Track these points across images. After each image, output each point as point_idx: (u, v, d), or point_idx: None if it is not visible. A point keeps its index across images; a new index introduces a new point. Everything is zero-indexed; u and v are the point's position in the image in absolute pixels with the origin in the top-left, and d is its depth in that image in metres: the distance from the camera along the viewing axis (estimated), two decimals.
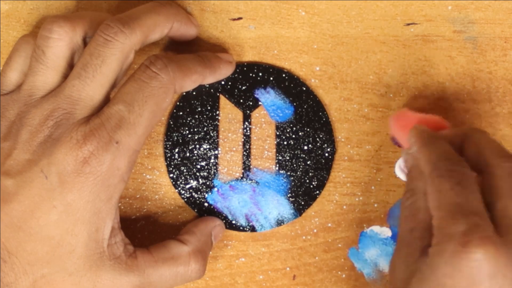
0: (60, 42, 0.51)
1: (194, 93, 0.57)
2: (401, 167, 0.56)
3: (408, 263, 0.48)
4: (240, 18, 0.58)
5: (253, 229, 0.58)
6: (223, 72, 0.55)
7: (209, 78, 0.54)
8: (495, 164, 0.48)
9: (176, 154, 0.58)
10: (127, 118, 0.49)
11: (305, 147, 0.58)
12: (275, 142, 0.58)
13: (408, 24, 0.58)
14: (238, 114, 0.58)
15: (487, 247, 0.44)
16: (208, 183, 0.58)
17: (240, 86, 0.57)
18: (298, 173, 0.58)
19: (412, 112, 0.55)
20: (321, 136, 0.57)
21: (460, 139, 0.51)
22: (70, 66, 0.51)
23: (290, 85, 0.58)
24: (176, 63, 0.51)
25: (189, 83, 0.52)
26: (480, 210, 0.46)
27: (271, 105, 0.58)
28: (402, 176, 0.55)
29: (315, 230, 0.58)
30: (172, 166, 0.58)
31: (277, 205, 0.58)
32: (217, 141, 0.58)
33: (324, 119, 0.58)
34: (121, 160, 0.49)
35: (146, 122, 0.49)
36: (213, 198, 0.58)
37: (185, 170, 0.58)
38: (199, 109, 0.57)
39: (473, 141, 0.51)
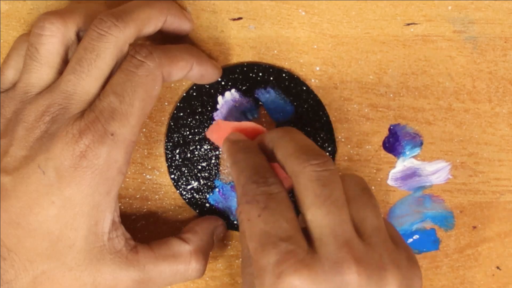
0: (53, 39, 0.51)
1: (194, 94, 0.57)
2: (393, 178, 0.56)
3: (250, 283, 0.47)
4: (240, 18, 0.58)
5: None
6: (209, 70, 0.55)
7: (196, 68, 0.54)
8: (298, 171, 0.47)
9: (177, 155, 0.58)
10: (119, 109, 0.49)
11: None
12: None
13: (408, 24, 0.58)
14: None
15: (301, 272, 0.44)
16: (209, 183, 0.58)
17: (240, 86, 0.57)
18: None
19: (225, 122, 0.55)
20: (321, 135, 0.57)
21: (273, 143, 0.50)
22: (65, 62, 0.52)
23: (290, 85, 0.58)
24: (162, 50, 0.51)
25: (176, 70, 0.52)
26: (291, 232, 0.45)
27: (272, 105, 0.58)
28: (392, 183, 0.55)
29: None
30: (173, 167, 0.58)
31: None
32: None
33: (324, 119, 0.58)
34: (118, 151, 0.49)
35: (138, 112, 0.50)
36: (215, 199, 0.58)
37: (186, 171, 0.58)
38: (200, 109, 0.58)
39: (279, 147, 0.49)
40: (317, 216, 0.45)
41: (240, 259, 0.58)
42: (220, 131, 0.54)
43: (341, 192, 0.46)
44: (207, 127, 0.57)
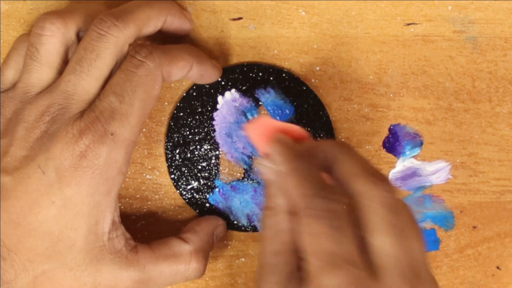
0: (53, 39, 0.51)
1: (194, 94, 0.57)
2: (393, 178, 0.56)
3: None
4: (240, 18, 0.58)
5: (254, 229, 0.58)
6: (209, 69, 0.55)
7: (196, 68, 0.54)
8: (365, 192, 0.45)
9: (177, 155, 0.58)
10: (119, 109, 0.49)
11: None
12: None
13: (408, 24, 0.58)
14: None
15: None
16: (209, 183, 0.58)
17: (240, 86, 0.57)
18: None
19: (269, 119, 0.54)
20: (321, 135, 0.57)
21: (325, 155, 0.48)
22: (65, 62, 0.52)
23: (290, 85, 0.58)
24: (162, 50, 0.51)
25: (176, 70, 0.52)
26: (357, 256, 0.44)
27: (272, 105, 0.58)
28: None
29: None
30: (173, 167, 0.58)
31: None
32: (218, 141, 0.58)
33: (324, 118, 0.58)
34: (118, 151, 0.49)
35: (138, 111, 0.50)
36: (215, 199, 0.58)
37: (186, 171, 0.58)
38: (200, 109, 0.58)
39: (341, 162, 0.48)
40: (387, 245, 0.44)
41: (241, 259, 0.58)
42: (261, 128, 0.52)
43: (410, 223, 0.46)
44: (207, 127, 0.57)
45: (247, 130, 0.53)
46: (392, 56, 0.58)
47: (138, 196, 0.58)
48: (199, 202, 0.58)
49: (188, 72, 0.54)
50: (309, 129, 0.57)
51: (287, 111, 0.58)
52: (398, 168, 0.58)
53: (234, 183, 0.58)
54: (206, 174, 0.58)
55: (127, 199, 0.58)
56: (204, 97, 0.58)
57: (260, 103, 0.58)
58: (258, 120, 0.53)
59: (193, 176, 0.58)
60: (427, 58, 0.58)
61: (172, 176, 0.58)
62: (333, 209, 0.45)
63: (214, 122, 0.58)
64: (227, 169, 0.58)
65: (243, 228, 0.58)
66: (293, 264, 0.47)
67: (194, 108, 0.58)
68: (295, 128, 0.51)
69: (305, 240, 0.45)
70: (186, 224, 0.57)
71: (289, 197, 0.47)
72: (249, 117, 0.58)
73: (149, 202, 0.58)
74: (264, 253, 0.48)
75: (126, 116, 0.49)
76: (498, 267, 0.60)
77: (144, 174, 0.58)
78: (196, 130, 0.58)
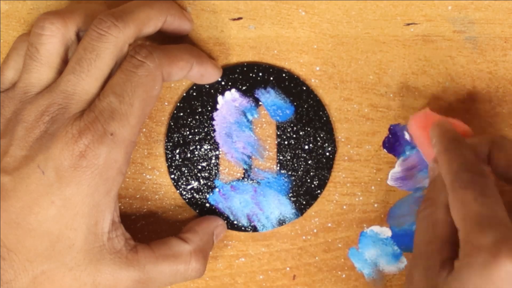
0: (53, 39, 0.51)
1: (194, 94, 0.57)
2: (393, 177, 0.56)
3: (428, 277, 0.48)
4: (240, 18, 0.58)
5: (254, 229, 0.58)
6: (210, 69, 0.55)
7: (196, 68, 0.54)
8: None
9: (177, 155, 0.58)
10: (118, 109, 0.49)
11: (306, 147, 0.58)
12: (276, 142, 0.58)
13: (408, 24, 0.58)
14: None
15: None
16: (209, 183, 0.58)
17: (240, 86, 0.57)
18: (299, 172, 0.58)
19: (434, 114, 0.55)
20: (321, 135, 0.57)
21: (487, 146, 0.52)
22: (64, 62, 0.52)
23: (290, 85, 0.58)
24: (162, 50, 0.51)
25: (176, 70, 0.52)
26: (506, 220, 0.46)
27: (272, 105, 0.58)
28: (392, 183, 0.56)
29: (315, 230, 0.58)
30: (173, 167, 0.58)
31: (278, 205, 0.58)
32: (218, 141, 0.58)
33: (324, 118, 0.57)
34: (118, 151, 0.49)
35: (138, 112, 0.50)
36: (215, 199, 0.58)
37: (186, 171, 0.58)
38: (200, 109, 0.58)
39: (502, 150, 0.51)
40: None
41: (241, 259, 0.58)
42: (426, 120, 0.54)
43: None
44: (207, 127, 0.58)
45: (411, 122, 0.55)
46: (392, 56, 0.58)
47: (138, 196, 0.58)
48: (199, 202, 0.58)
49: (188, 72, 0.54)
50: (309, 129, 0.57)
51: (287, 111, 0.58)
52: (398, 168, 0.58)
53: (234, 183, 0.58)
54: (206, 174, 0.58)
55: (127, 199, 0.58)
56: (204, 97, 0.58)
57: (260, 103, 0.58)
58: (422, 113, 0.55)
59: (193, 176, 0.58)
60: (427, 58, 0.58)
61: (172, 176, 0.58)
62: (480, 180, 0.47)
63: (214, 122, 0.58)
64: (227, 169, 0.58)
65: (243, 228, 0.58)
66: (445, 254, 0.48)
67: (194, 108, 0.58)
68: (458, 124, 0.54)
69: (455, 210, 0.47)
70: (186, 224, 0.57)
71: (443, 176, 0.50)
72: (249, 117, 0.58)
73: (149, 202, 0.58)
74: (417, 244, 0.51)
75: (126, 116, 0.49)
76: None
77: (144, 174, 0.58)
78: (196, 130, 0.58)
